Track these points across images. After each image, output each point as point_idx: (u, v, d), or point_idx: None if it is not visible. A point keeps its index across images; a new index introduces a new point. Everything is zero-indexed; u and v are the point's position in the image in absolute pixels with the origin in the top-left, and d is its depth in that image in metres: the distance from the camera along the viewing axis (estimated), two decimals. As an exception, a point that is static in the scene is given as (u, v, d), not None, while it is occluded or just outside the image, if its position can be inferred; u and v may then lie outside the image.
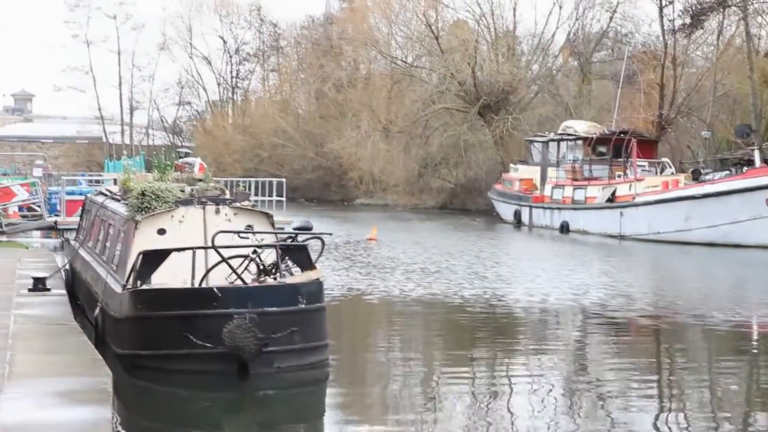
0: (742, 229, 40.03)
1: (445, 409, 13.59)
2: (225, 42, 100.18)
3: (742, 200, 40.21)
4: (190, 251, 14.79)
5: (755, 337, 20.88)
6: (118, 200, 18.75)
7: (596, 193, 48.03)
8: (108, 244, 18.44)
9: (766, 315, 23.76)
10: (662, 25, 57.85)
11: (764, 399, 14.85)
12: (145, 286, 14.88)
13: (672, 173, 46.67)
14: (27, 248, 29.08)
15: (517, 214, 53.61)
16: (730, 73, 53.64)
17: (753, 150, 41.79)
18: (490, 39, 71.61)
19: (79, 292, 20.10)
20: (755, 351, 19.15)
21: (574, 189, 49.68)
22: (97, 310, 16.66)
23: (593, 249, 40.26)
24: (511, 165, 57.94)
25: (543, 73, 72.76)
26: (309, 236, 16.76)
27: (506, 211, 55.59)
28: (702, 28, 56.93)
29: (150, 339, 14.42)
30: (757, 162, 41.19)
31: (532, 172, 54.70)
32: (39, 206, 37.85)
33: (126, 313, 14.92)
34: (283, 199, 35.11)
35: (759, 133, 43.45)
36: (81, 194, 32.90)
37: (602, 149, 50.70)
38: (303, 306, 14.46)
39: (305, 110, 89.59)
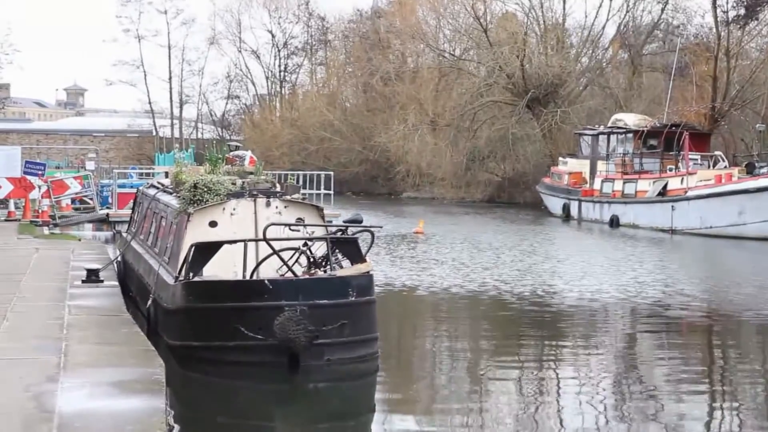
0: None
1: (492, 404, 13.56)
2: (273, 36, 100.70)
3: None
4: (242, 244, 14.85)
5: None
6: (170, 193, 18.86)
7: (647, 186, 47.54)
8: (160, 237, 18.58)
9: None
10: (715, 17, 57.25)
11: None
12: (197, 278, 14.98)
13: (725, 167, 46.16)
14: (79, 240, 29.39)
15: (566, 208, 53.31)
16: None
17: (808, 143, 41.35)
18: (539, 31, 71.29)
19: (131, 284, 20.28)
20: None
21: (624, 182, 49.25)
22: (149, 302, 16.78)
23: (644, 243, 39.90)
24: (560, 158, 57.63)
25: (592, 65, 72.31)
26: (359, 229, 16.76)
27: (555, 204, 55.31)
28: (756, 19, 56.28)
29: (202, 330, 14.51)
30: (810, 155, 40.77)
31: (582, 166, 54.38)
32: (91, 199, 38.35)
33: (178, 305, 15.03)
34: (331, 192, 35.20)
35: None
36: (132, 187, 33.24)
37: (653, 142, 50.20)
38: (353, 299, 14.46)
39: (352, 104, 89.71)
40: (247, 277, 14.69)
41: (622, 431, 12.16)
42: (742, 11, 54.94)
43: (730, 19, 55.82)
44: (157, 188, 20.90)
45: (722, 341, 19.46)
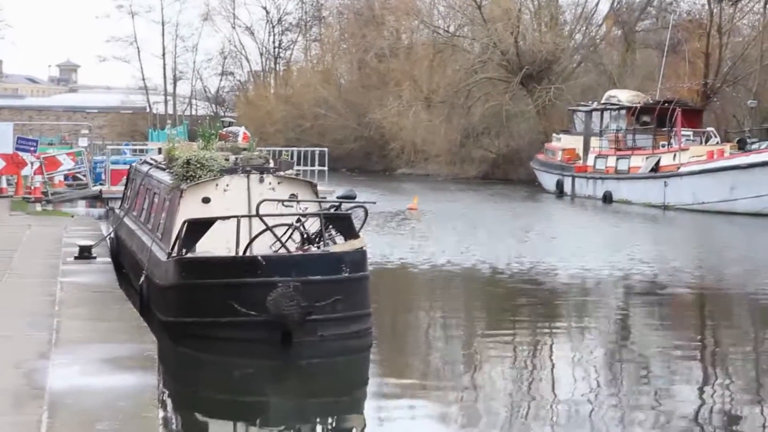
0: None
1: (486, 380, 13.58)
2: (268, 12, 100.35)
3: None
4: (235, 220, 14.82)
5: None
6: (163, 169, 18.79)
7: (640, 162, 47.68)
8: (153, 213, 18.54)
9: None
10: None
11: None
12: (189, 255, 14.95)
13: (717, 143, 46.29)
14: (72, 217, 29.33)
15: (560, 184, 53.38)
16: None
17: (799, 119, 41.44)
18: (533, 8, 71.15)
19: (123, 261, 20.26)
20: None
21: (618, 159, 49.36)
22: (142, 278, 16.76)
23: (637, 219, 40.06)
24: (554, 135, 57.64)
25: (586, 42, 72.19)
26: (352, 205, 16.72)
27: (548, 181, 55.35)
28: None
29: (194, 307, 14.49)
30: (803, 131, 40.85)
31: (575, 142, 54.42)
32: (84, 175, 38.28)
33: (171, 281, 15.01)
34: (326, 168, 35.14)
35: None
36: (125, 164, 33.14)
37: (646, 119, 50.34)
38: (346, 275, 14.45)
39: (347, 80, 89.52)
40: (240, 254, 14.66)
41: (614, 407, 12.17)
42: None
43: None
44: (150, 164, 20.81)
45: (713, 315, 19.59)
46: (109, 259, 19.40)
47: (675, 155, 45.64)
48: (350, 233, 15.48)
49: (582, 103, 57.04)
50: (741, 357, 15.43)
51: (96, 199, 35.99)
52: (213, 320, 14.19)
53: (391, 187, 56.45)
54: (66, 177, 38.70)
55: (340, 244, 15.34)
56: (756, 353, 15.83)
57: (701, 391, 13.13)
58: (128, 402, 9.46)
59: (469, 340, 16.28)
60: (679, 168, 44.61)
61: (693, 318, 19.32)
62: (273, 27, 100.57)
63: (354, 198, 17.47)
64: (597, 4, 72.16)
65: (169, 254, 15.37)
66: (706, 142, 47.02)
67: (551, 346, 15.96)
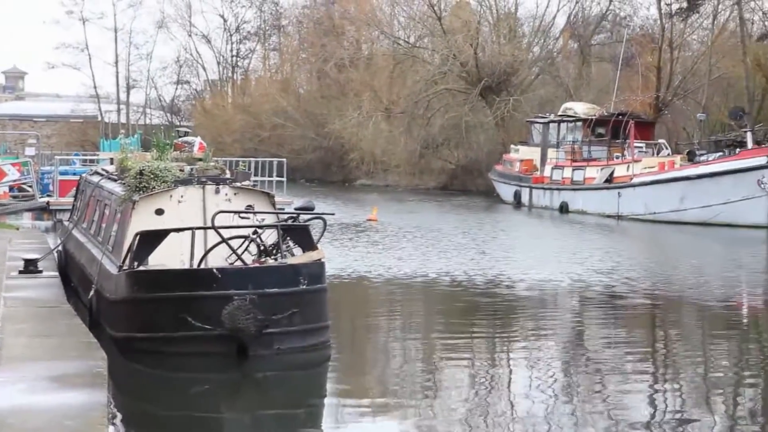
0: (734, 209, 40.41)
1: (445, 392, 13.50)
2: (225, 20, 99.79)
3: (735, 181, 40.70)
4: (189, 232, 14.57)
5: (746, 314, 21.22)
6: (115, 180, 18.48)
7: (595, 173, 48.31)
8: (104, 225, 18.18)
9: (757, 293, 24.29)
10: (660, 9, 57.92)
11: (754, 375, 14.96)
12: (142, 267, 14.67)
13: (668, 154, 46.93)
14: (18, 229, 28.81)
15: (517, 195, 53.69)
16: (724, 57, 53.78)
17: (746, 132, 42.10)
18: (492, 20, 71.42)
19: (72, 274, 19.86)
20: (746, 328, 19.52)
21: (574, 170, 49.93)
22: (91, 292, 16.41)
23: (591, 229, 40.38)
24: (512, 146, 57.90)
25: (544, 55, 72.62)
26: (310, 216, 16.53)
27: (506, 191, 55.61)
28: (698, 12, 57.28)
29: (147, 321, 14.23)
30: (750, 144, 41.54)
31: (533, 153, 54.82)
32: (30, 186, 37.45)
33: (122, 295, 14.73)
34: (284, 179, 34.91)
35: (751, 115, 43.61)
36: (75, 174, 32.56)
37: (601, 131, 51.07)
38: (304, 287, 14.30)
39: (306, 90, 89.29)
40: (195, 266, 14.41)
41: (570, 414, 12.21)
42: (685, 4, 55.96)
43: (674, 12, 56.71)
44: (102, 175, 20.44)
45: (664, 321, 19.92)
46: (56, 273, 18.99)
47: (628, 166, 46.34)
48: (308, 245, 15.32)
49: (539, 114, 57.39)
50: (691, 364, 15.62)
51: (43, 211, 35.24)
52: (166, 335, 13.96)
53: (350, 198, 56.32)
54: (11, 188, 37.85)
55: (298, 256, 15.20)
56: (706, 360, 16.04)
57: (653, 397, 13.26)
58: (76, 421, 9.20)
59: (427, 352, 16.19)
60: (631, 179, 45.25)
61: (646, 326, 19.49)
62: (230, 35, 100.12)
63: (312, 209, 17.27)
64: (554, 17, 72.76)
65: (120, 267, 15.09)
66: (658, 153, 47.68)
67: (509, 357, 15.98)
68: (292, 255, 15.29)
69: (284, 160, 36.93)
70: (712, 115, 48.18)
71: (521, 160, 55.06)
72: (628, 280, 24.21)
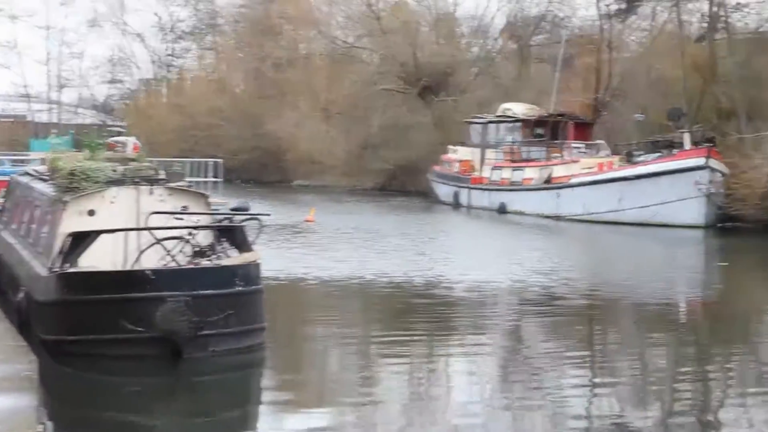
0: (671, 209, 40.67)
1: (382, 394, 13.46)
2: (160, 19, 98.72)
3: (672, 181, 40.91)
4: (122, 233, 14.35)
5: (683, 313, 21.56)
6: (46, 180, 18.14)
7: (533, 174, 48.35)
8: (34, 226, 17.81)
9: (693, 293, 24.67)
10: (598, 10, 58.24)
11: (689, 372, 15.23)
12: (73, 269, 14.41)
13: (607, 155, 47.11)
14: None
15: (456, 196, 53.65)
16: (662, 58, 54.16)
17: (683, 133, 42.24)
18: (431, 21, 71.41)
19: (1, 277, 19.47)
20: (683, 327, 19.74)
21: (512, 170, 49.96)
22: (20, 295, 16.09)
23: (531, 230, 40.56)
24: (450, 147, 57.86)
25: (483, 55, 72.73)
26: (246, 217, 16.40)
27: (445, 192, 55.58)
28: (636, 13, 57.60)
29: (79, 324, 13.96)
30: (687, 144, 41.66)
31: (471, 154, 54.79)
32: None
33: (52, 297, 14.43)
34: (220, 179, 34.67)
35: (689, 116, 43.99)
36: (4, 174, 31.93)
37: (540, 131, 51.10)
38: (239, 288, 14.20)
39: (243, 90, 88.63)
40: (128, 268, 14.20)
41: (506, 410, 12.33)
42: (623, 5, 56.22)
43: (612, 13, 56.95)
44: (32, 176, 20.05)
45: (601, 320, 20.11)
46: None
47: (566, 167, 46.37)
48: (243, 246, 15.20)
49: (478, 115, 57.36)
50: (628, 362, 15.80)
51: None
52: (98, 337, 13.73)
53: (287, 198, 55.98)
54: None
55: (233, 258, 15.07)
56: (641, 358, 16.21)
57: (591, 396, 13.39)
58: (3, 426, 8.99)
59: (365, 353, 16.17)
60: (570, 179, 45.35)
61: (584, 326, 19.62)
62: (165, 34, 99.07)
63: (247, 210, 17.14)
64: (493, 18, 72.87)
65: (51, 269, 14.80)
66: (597, 154, 47.77)
67: (447, 357, 16.02)
68: (227, 256, 15.15)
69: (220, 160, 36.68)
70: (650, 115, 48.46)
71: (460, 161, 55.02)
72: (566, 281, 24.34)
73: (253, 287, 14.51)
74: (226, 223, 16.05)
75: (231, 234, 15.40)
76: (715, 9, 49.48)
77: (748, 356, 16.75)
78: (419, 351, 16.40)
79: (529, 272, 25.38)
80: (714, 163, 40.49)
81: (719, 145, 41.71)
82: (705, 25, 50.87)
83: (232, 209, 17.65)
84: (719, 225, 40.06)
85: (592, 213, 43.21)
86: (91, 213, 15.99)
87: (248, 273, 14.43)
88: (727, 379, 14.99)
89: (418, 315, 19.60)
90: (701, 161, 40.40)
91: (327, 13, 78.61)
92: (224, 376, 14.04)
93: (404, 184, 66.34)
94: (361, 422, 11.94)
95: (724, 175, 40.72)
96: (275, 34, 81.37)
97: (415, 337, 17.48)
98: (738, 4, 50.00)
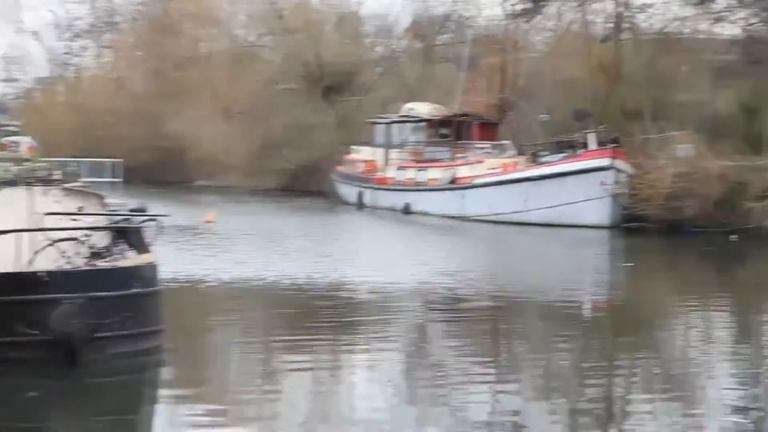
0: (576, 210, 40.91)
1: (285, 394, 13.36)
2: (56, 16, 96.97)
3: (577, 182, 41.21)
4: (15, 234, 13.93)
5: (587, 313, 21.72)
6: (-65, 180, 17.57)
7: (438, 174, 48.33)
8: None
9: (598, 293, 24.92)
10: (504, 10, 58.61)
11: (593, 371, 15.32)
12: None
13: (512, 155, 47.27)
14: None
15: (360, 196, 53.50)
16: (568, 59, 54.66)
17: (588, 133, 42.54)
18: (335, 20, 71.23)
19: None
20: (587, 326, 19.92)
21: (417, 171, 49.93)
22: None
23: (435, 231, 40.63)
24: (354, 147, 57.74)
25: (387, 55, 72.77)
26: (144, 218, 16.08)
27: (349, 192, 55.44)
28: (542, 13, 57.99)
29: None
30: (592, 145, 41.94)
31: (375, 154, 54.70)
32: None
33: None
34: (120, 179, 34.06)
35: (594, 117, 44.40)
36: None
37: (445, 131, 51.15)
38: (136, 290, 13.99)
39: (143, 89, 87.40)
40: (21, 269, 13.78)
41: (410, 413, 12.31)
42: (529, 5, 56.54)
43: (518, 13, 57.21)
44: None
45: (507, 321, 20.08)
46: None
47: (471, 167, 46.41)
48: (141, 247, 14.99)
49: (382, 115, 57.30)
50: (532, 361, 15.95)
51: None
52: None
53: (188, 199, 55.32)
54: None
55: (130, 259, 14.81)
56: (546, 358, 16.25)
57: (495, 398, 13.37)
58: None
59: (267, 355, 16.00)
60: (475, 180, 45.40)
61: (489, 327, 19.59)
62: (62, 32, 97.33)
63: (145, 211, 16.77)
64: (398, 17, 73.00)
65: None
66: (502, 154, 47.89)
67: (351, 360, 15.90)
68: (124, 258, 14.89)
69: (120, 160, 36.03)
70: (555, 116, 48.99)
71: (364, 161, 54.92)
72: (471, 282, 24.38)
73: (151, 289, 14.32)
74: (123, 224, 15.71)
75: (128, 235, 15.16)
76: (620, 10, 50.20)
77: (652, 356, 16.89)
78: (323, 352, 16.24)
79: (434, 273, 25.34)
80: (619, 163, 40.95)
81: (624, 145, 42.14)
82: (610, 25, 51.48)
83: (130, 210, 17.28)
84: (624, 225, 40.41)
85: (498, 213, 43.28)
86: None
87: (145, 274, 14.23)
88: (630, 379, 15.12)
89: (321, 317, 19.38)
90: (606, 162, 40.79)
91: (228, 11, 77.99)
92: (121, 379, 13.73)
93: (307, 185, 66.06)
94: (262, 427, 11.78)
95: (629, 175, 41.17)
96: (175, 32, 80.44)
97: (319, 339, 17.26)
98: (643, 4, 50.67)
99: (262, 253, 29.12)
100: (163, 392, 13.47)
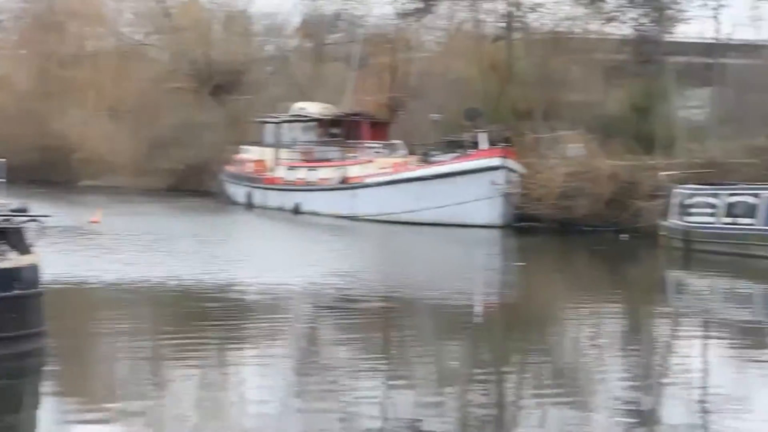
0: (468, 209, 40.97)
1: (172, 395, 13.17)
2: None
3: (469, 181, 41.23)
4: None
5: (479, 313, 21.77)
6: None
7: (328, 174, 48.14)
8: None
9: (489, 292, 25.04)
10: (395, 9, 58.67)
11: (485, 372, 15.39)
12: None
13: (403, 155, 47.20)
14: None
15: (249, 196, 53.08)
16: (459, 58, 54.86)
17: (479, 133, 42.60)
18: (223, 18, 70.60)
19: None
20: (479, 326, 19.98)
21: (307, 170, 49.69)
22: None
23: (326, 230, 40.48)
24: (243, 146, 57.21)
25: (277, 54, 72.38)
26: (25, 218, 15.51)
27: (238, 192, 54.98)
28: (433, 12, 58.05)
29: None
30: (483, 144, 42.02)
31: (265, 154, 54.31)
32: None
33: None
34: (3, 180, 32.92)
35: (486, 116, 44.53)
36: None
37: (335, 131, 51.00)
38: (17, 292, 13.73)
39: (27, 88, 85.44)
40: None
41: (301, 417, 12.19)
42: (420, 4, 56.62)
43: (409, 12, 57.24)
44: None
45: (398, 321, 20.05)
46: None
47: (362, 167, 46.27)
48: (22, 248, 14.58)
49: (272, 114, 56.85)
50: (424, 362, 15.85)
51: None
52: None
53: (73, 199, 54.13)
54: None
55: (10, 260, 14.36)
56: (438, 359, 16.25)
57: (386, 398, 13.36)
58: None
59: (154, 358, 15.66)
60: (366, 179, 45.28)
61: (380, 328, 19.53)
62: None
63: (27, 211, 16.16)
64: (288, 16, 72.62)
65: None
66: (393, 154, 47.78)
67: (240, 359, 15.73)
68: (5, 259, 14.38)
69: (3, 160, 34.80)
70: (447, 115, 49.15)
71: (253, 161, 54.49)
72: (362, 282, 24.31)
73: (32, 290, 14.06)
74: (3, 224, 15.13)
75: (8, 236, 14.67)
76: (511, 9, 50.55)
77: (543, 355, 16.98)
78: (211, 354, 15.95)
79: (325, 274, 25.13)
80: (510, 163, 41.16)
81: (515, 145, 42.46)
82: (502, 25, 51.78)
83: (11, 210, 16.64)
84: (516, 225, 40.62)
85: (389, 213, 43.19)
86: None
87: (26, 276, 13.97)
88: (522, 377, 15.18)
89: (210, 319, 19.02)
90: (497, 161, 40.95)
91: (115, 9, 76.74)
92: (1, 382, 13.29)
93: (196, 185, 65.22)
94: (149, 423, 11.63)
95: (520, 175, 41.41)
96: (60, 30, 78.83)
97: (207, 341, 16.96)
98: (534, 4, 51.08)
99: (149, 254, 28.60)
100: (44, 395, 13.14)
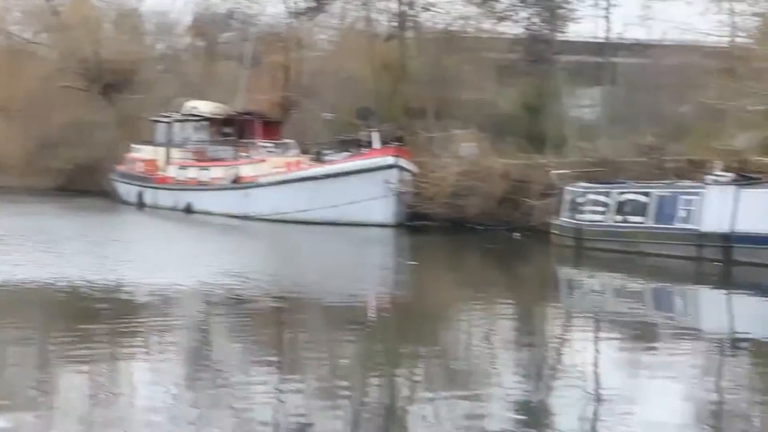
0: (360, 209, 40.84)
1: (60, 400, 12.90)
2: None
3: (361, 180, 41.14)
4: None
5: (371, 312, 21.64)
6: None
7: (220, 173, 47.83)
8: None
9: (382, 291, 24.96)
10: (287, 8, 58.36)
11: (378, 371, 15.28)
12: None
13: (296, 154, 47.01)
14: None
15: (140, 195, 52.50)
16: (352, 57, 54.82)
17: (372, 132, 42.53)
18: (114, 16, 69.59)
19: None
20: (371, 325, 19.89)
21: (199, 170, 49.35)
22: None
23: (218, 230, 40.26)
24: (134, 146, 56.45)
25: (169, 52, 71.59)
26: None
27: (129, 192, 54.32)
28: (326, 11, 57.93)
29: None
30: (376, 143, 41.95)
31: (156, 153, 53.74)
32: None
33: None
34: None
35: (378, 115, 44.49)
36: None
37: (228, 130, 50.80)
38: None
39: None
40: None
41: (192, 419, 11.94)
42: (313, 3, 56.47)
43: (301, 11, 57.09)
44: None
45: (290, 321, 19.94)
46: None
47: (254, 166, 45.98)
48: None
49: (164, 113, 56.20)
50: (316, 362, 15.79)
51: None
52: None
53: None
54: None
55: None
56: (330, 358, 16.18)
57: (278, 399, 13.16)
58: None
59: (42, 359, 15.39)
60: (258, 179, 45.00)
61: (272, 328, 19.41)
62: None
63: None
64: (180, 14, 71.81)
65: None
66: (286, 153, 47.55)
67: (131, 361, 15.44)
68: None
69: None
70: (340, 114, 49.06)
71: (144, 160, 53.86)
72: (254, 282, 24.10)
73: None
74: None
75: None
76: (404, 8, 50.63)
77: (436, 354, 16.95)
78: (101, 356, 15.56)
79: (217, 273, 24.83)
80: (403, 162, 41.14)
81: (408, 144, 42.51)
82: (394, 24, 51.82)
83: None
84: (409, 224, 40.56)
85: (282, 213, 42.94)
86: None
87: None
88: (415, 378, 15.06)
89: (99, 320, 18.60)
90: (390, 160, 40.92)
91: (2, 7, 75.05)
92: None
93: (87, 184, 64.23)
94: (38, 429, 11.38)
95: (413, 174, 41.41)
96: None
97: (97, 342, 16.56)
98: (427, 3, 51.08)
99: (37, 254, 28.03)
100: None
